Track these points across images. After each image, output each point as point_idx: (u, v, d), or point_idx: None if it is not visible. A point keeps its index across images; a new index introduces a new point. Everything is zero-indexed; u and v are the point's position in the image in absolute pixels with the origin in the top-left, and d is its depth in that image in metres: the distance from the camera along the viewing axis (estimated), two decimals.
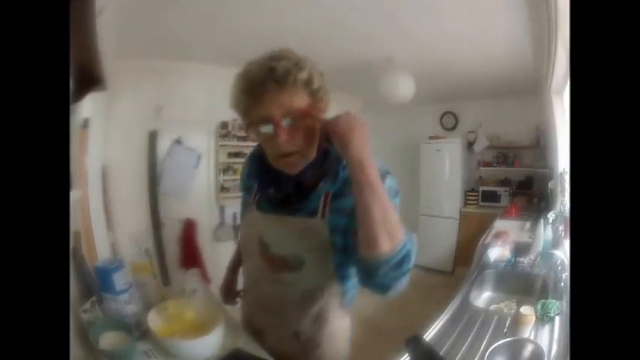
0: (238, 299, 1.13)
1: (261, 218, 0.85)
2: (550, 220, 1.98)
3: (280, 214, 0.81)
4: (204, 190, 3.04)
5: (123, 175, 2.43)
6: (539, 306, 1.19)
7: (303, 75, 0.67)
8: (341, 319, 0.89)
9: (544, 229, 1.95)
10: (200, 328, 0.90)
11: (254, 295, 0.98)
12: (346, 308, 0.89)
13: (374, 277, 0.64)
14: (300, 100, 0.68)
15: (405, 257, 0.62)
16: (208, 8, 1.87)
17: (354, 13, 1.99)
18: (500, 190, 3.89)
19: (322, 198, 0.76)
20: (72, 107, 1.12)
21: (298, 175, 0.75)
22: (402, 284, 0.65)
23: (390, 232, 0.61)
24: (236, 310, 1.07)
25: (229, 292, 1.17)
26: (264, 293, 0.91)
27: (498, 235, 2.19)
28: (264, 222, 0.84)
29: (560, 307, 1.18)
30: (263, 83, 0.66)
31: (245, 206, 0.96)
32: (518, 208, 3.25)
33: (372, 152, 0.64)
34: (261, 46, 0.72)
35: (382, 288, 0.66)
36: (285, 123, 0.68)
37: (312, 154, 0.75)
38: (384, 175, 0.70)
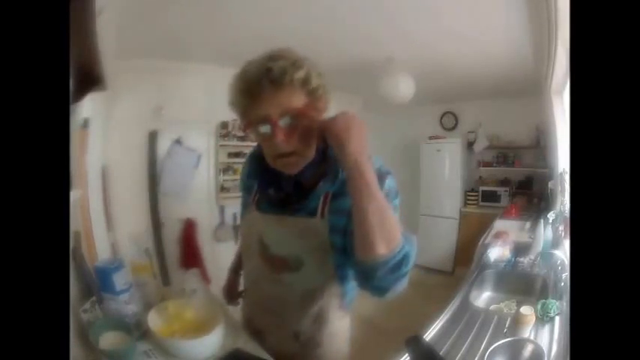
0: (240, 300, 1.13)
1: (261, 218, 0.85)
2: (550, 220, 1.98)
3: (280, 214, 0.81)
4: (204, 190, 3.04)
5: (123, 175, 2.43)
6: (539, 306, 1.19)
7: (300, 74, 0.67)
8: (341, 320, 0.89)
9: (544, 229, 1.95)
10: (200, 328, 0.90)
11: (254, 296, 0.98)
12: (346, 309, 0.89)
13: (371, 279, 0.63)
14: (297, 100, 0.68)
15: (403, 260, 0.62)
16: (208, 8, 1.86)
17: (354, 13, 1.98)
18: (500, 190, 3.89)
19: (322, 198, 0.76)
20: (72, 107, 1.12)
21: (297, 175, 0.75)
22: (401, 286, 0.65)
23: (387, 234, 0.60)
24: (236, 310, 1.08)
25: (232, 293, 1.17)
26: (264, 293, 0.90)
27: (498, 235, 2.19)
28: (264, 222, 0.84)
29: (560, 307, 1.18)
30: (260, 83, 0.66)
31: (245, 206, 0.95)
32: (518, 208, 3.25)
33: (371, 152, 0.64)
34: (261, 46, 0.72)
35: (380, 290, 0.65)
36: (282, 123, 0.67)
37: (311, 154, 0.74)
38: (384, 176, 0.70)
